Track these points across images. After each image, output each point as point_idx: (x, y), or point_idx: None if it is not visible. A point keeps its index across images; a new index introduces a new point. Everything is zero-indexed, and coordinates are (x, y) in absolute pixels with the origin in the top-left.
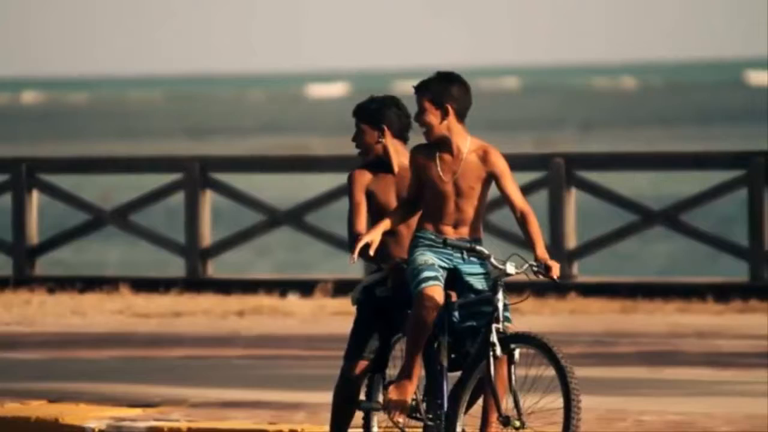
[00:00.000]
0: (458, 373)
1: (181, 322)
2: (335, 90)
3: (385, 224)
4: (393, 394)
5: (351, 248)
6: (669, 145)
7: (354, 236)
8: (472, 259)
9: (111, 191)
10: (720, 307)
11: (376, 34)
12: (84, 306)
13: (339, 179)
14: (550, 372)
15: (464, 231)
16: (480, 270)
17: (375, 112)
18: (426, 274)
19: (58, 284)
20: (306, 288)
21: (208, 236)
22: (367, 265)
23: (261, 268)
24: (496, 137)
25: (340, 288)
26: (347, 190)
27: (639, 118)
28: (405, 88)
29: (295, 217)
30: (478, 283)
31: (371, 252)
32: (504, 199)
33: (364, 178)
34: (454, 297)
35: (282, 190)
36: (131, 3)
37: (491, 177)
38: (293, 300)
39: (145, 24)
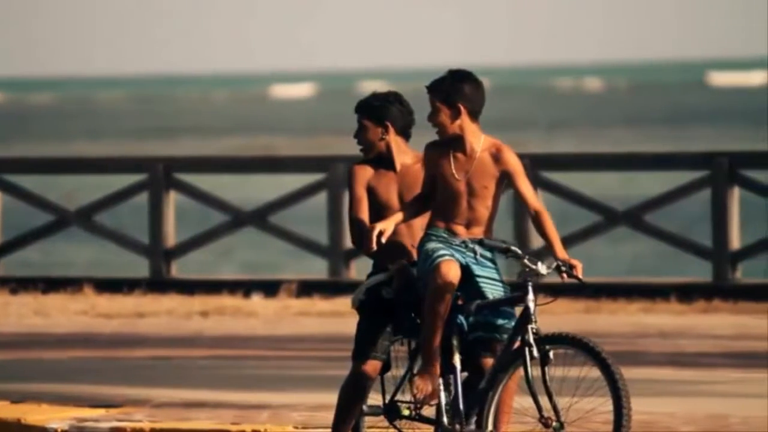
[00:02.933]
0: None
1: (144, 323)
2: (301, 90)
3: (398, 217)
4: (420, 383)
5: (354, 241)
6: (634, 145)
7: (359, 228)
8: (484, 260)
9: (75, 192)
10: (683, 308)
11: (342, 35)
12: (47, 306)
13: (304, 180)
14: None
15: (477, 231)
16: (493, 275)
17: (378, 109)
18: (441, 252)
19: (20, 285)
20: (270, 288)
21: (172, 237)
22: (333, 266)
23: (225, 268)
24: None
25: (304, 288)
26: (347, 184)
27: (604, 119)
28: (371, 89)
29: (260, 218)
30: (489, 291)
31: (383, 240)
32: (517, 198)
33: (365, 173)
34: (460, 300)
35: (246, 190)
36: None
37: (505, 176)
38: (257, 300)
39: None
